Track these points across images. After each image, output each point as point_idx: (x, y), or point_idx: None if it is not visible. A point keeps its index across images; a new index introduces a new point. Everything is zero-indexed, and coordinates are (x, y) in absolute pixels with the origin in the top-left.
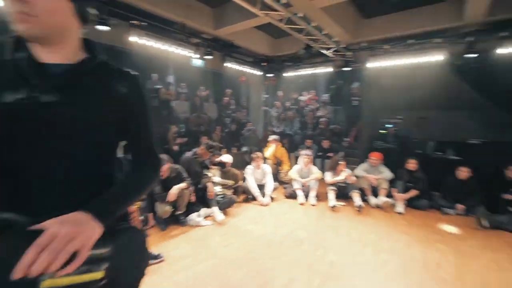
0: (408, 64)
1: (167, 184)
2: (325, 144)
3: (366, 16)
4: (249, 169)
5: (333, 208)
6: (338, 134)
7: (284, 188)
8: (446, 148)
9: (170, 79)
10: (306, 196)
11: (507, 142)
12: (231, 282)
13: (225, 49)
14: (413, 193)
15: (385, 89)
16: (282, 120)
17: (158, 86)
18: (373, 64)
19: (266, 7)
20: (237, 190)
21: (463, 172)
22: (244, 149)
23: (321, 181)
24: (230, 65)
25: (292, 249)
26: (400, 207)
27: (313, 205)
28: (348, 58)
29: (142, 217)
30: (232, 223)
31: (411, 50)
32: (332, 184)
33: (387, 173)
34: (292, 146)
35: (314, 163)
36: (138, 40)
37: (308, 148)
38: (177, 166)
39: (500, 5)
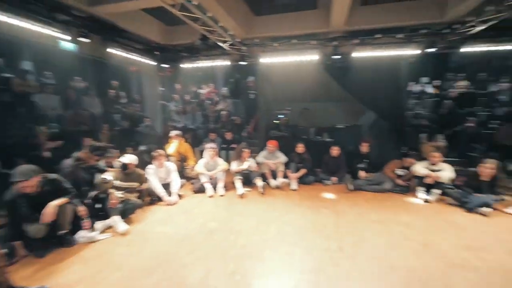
0: (293, 61)
1: (40, 201)
2: (228, 136)
3: (257, 14)
4: (150, 169)
5: (241, 196)
6: (239, 126)
7: (192, 183)
8: (323, 133)
9: (27, 65)
10: (215, 188)
11: (360, 125)
12: None
13: (107, 32)
14: (302, 171)
15: (276, 83)
16: (183, 114)
17: (8, 75)
18: (265, 60)
19: None
20: (142, 193)
21: (335, 151)
22: (142, 147)
23: (228, 171)
24: (115, 51)
25: (205, 241)
26: (294, 185)
27: (222, 196)
28: (244, 52)
29: (5, 250)
30: (138, 230)
31: (295, 49)
32: (238, 173)
33: (282, 158)
34: (195, 140)
35: (219, 155)
36: None
37: (212, 141)
38: (53, 176)
39: (353, 19)
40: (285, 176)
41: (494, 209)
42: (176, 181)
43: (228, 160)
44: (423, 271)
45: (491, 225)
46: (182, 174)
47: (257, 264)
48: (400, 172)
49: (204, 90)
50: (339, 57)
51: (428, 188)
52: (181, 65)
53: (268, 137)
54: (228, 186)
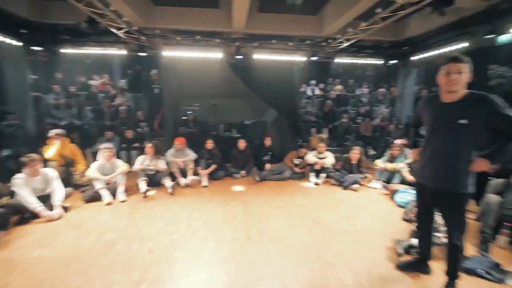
0: (200, 57)
1: None
2: (129, 134)
3: (156, 3)
4: (18, 179)
5: (145, 196)
6: (142, 122)
7: (83, 191)
8: (232, 129)
9: None
10: (114, 194)
11: (265, 121)
12: None
13: None
14: (212, 167)
15: (182, 78)
16: (66, 109)
17: None
18: (169, 53)
19: None
20: (6, 210)
21: (241, 143)
22: (5, 152)
23: (130, 174)
24: None
25: (103, 254)
26: (204, 181)
27: (123, 202)
28: (143, 43)
29: None
30: (2, 258)
31: (200, 45)
32: (142, 173)
33: (192, 155)
34: (86, 140)
35: (119, 156)
36: None
37: (108, 140)
38: None
39: (252, 23)
40: (196, 173)
41: (361, 185)
42: (58, 191)
43: (130, 161)
44: (314, 243)
45: (359, 198)
46: (69, 181)
47: (166, 267)
48: (296, 161)
49: (96, 82)
50: (241, 57)
51: (317, 173)
52: (62, 50)
53: (176, 134)
54: (130, 189)
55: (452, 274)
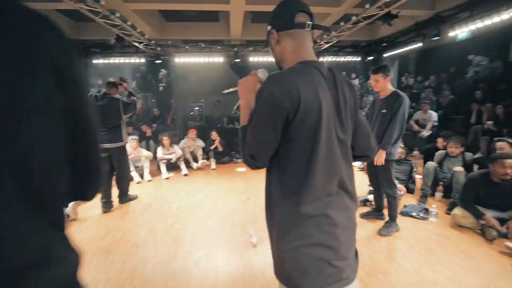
0: (204, 61)
1: None
2: (145, 129)
3: (168, 20)
4: None
5: (167, 178)
6: (156, 118)
7: None
8: (234, 121)
9: None
10: (141, 175)
11: None
12: None
13: None
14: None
15: (190, 80)
16: None
17: None
18: (180, 59)
19: None
20: None
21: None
22: None
23: (152, 160)
24: None
25: (145, 210)
26: (213, 165)
27: (149, 181)
28: (158, 52)
29: None
30: None
31: (204, 51)
32: (162, 160)
33: (200, 143)
34: None
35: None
36: None
37: (130, 134)
38: None
39: (247, 31)
40: (205, 159)
41: None
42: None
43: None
44: None
45: None
46: None
47: (190, 216)
48: None
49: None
50: (238, 60)
51: None
52: (93, 61)
53: (186, 127)
54: (154, 173)
55: (390, 216)
